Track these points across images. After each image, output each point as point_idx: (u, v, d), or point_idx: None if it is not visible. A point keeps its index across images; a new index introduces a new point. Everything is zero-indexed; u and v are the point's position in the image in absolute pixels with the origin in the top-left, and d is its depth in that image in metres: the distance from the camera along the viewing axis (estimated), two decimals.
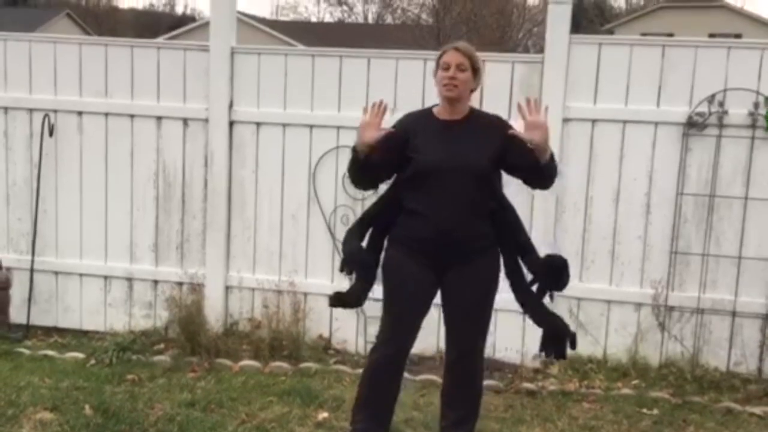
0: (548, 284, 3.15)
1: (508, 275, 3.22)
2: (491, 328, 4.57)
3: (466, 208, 3.09)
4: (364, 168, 3.16)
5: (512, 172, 3.22)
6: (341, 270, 3.18)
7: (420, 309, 3.21)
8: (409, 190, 3.14)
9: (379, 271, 3.23)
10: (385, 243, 3.25)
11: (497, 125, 3.20)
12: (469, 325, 3.22)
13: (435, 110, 3.24)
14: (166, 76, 4.90)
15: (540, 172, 3.08)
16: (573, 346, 3.16)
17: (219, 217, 4.87)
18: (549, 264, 3.13)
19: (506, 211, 3.21)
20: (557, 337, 3.14)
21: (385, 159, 3.14)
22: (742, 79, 4.33)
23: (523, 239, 3.22)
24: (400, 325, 3.22)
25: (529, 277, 3.19)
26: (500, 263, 3.21)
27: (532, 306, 3.19)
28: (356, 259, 3.15)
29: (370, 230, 3.26)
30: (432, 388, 4.05)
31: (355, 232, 3.25)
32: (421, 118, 3.24)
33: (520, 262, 3.19)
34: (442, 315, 3.28)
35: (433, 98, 4.37)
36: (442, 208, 3.07)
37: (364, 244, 3.24)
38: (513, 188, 3.35)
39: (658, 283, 4.50)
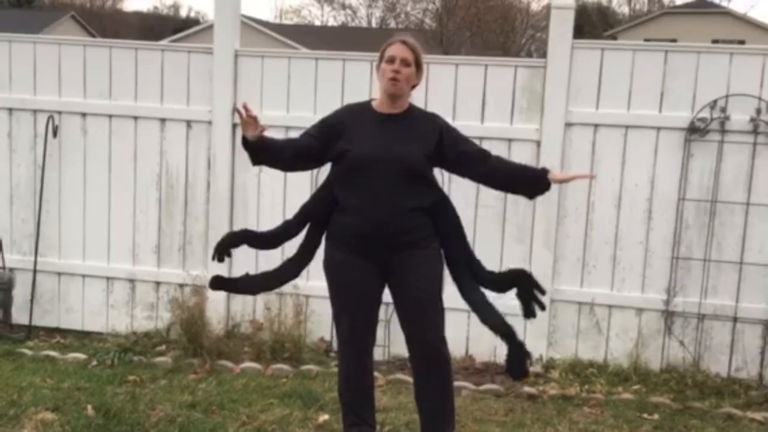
0: (530, 293, 3.16)
1: (455, 278, 3.24)
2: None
3: (401, 200, 3.08)
4: (263, 153, 3.12)
5: (453, 168, 3.29)
6: (213, 257, 3.20)
7: (370, 307, 3.24)
8: (344, 185, 3.13)
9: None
10: (323, 241, 3.25)
11: (433, 122, 3.22)
12: (422, 316, 3.18)
13: (374, 103, 3.23)
14: (170, 79, 4.92)
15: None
16: (531, 362, 3.20)
17: (221, 220, 4.88)
18: (515, 276, 3.21)
19: (448, 208, 3.23)
20: (518, 357, 3.15)
21: (309, 145, 3.15)
22: (745, 84, 4.34)
23: (468, 248, 3.25)
24: (355, 328, 3.24)
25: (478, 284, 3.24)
26: (441, 254, 3.22)
27: (484, 310, 3.19)
28: (221, 248, 3.18)
29: (307, 227, 3.26)
30: None
31: (288, 226, 3.25)
32: (359, 111, 3.22)
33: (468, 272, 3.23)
34: (395, 313, 3.26)
35: (429, 100, 4.43)
36: (375, 202, 3.06)
37: (301, 239, 3.26)
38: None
39: (659, 289, 4.51)
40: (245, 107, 3.02)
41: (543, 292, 3.18)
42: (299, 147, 3.19)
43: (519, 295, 3.19)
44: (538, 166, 3.26)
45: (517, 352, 3.15)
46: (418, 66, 3.15)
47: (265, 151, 3.11)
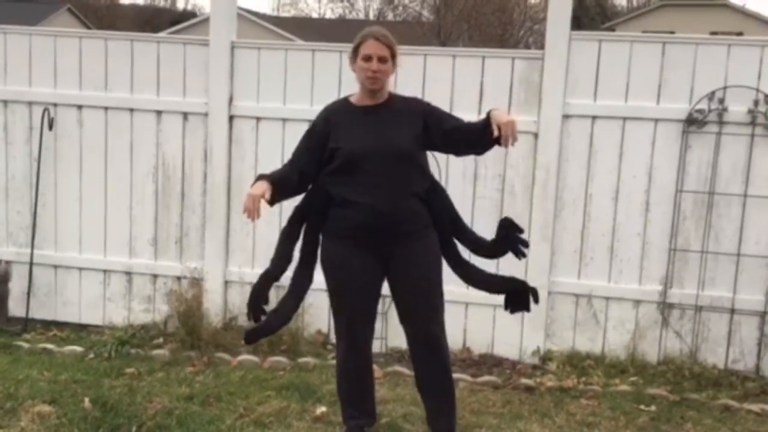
0: (503, 246, 3.23)
1: (445, 254, 3.27)
2: (489, 323, 4.65)
3: (397, 190, 3.10)
4: (279, 200, 3.18)
5: (443, 148, 3.29)
6: (249, 318, 3.22)
7: (370, 300, 3.26)
8: (338, 180, 3.14)
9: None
10: (321, 237, 3.25)
11: (416, 106, 3.24)
12: (422, 305, 3.21)
13: (353, 99, 3.24)
14: (166, 71, 4.90)
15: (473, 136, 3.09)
16: (536, 299, 3.24)
17: (218, 212, 4.87)
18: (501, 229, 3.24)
19: (438, 192, 3.26)
20: (519, 293, 3.24)
21: (308, 162, 3.18)
22: (742, 76, 4.33)
23: (456, 217, 3.29)
24: (354, 320, 3.26)
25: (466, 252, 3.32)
26: (437, 241, 3.25)
27: (479, 277, 3.29)
28: (254, 307, 3.20)
29: (304, 225, 3.27)
30: None
31: (287, 234, 3.26)
32: (341, 109, 3.23)
33: (456, 241, 3.29)
34: (393, 303, 3.30)
35: (426, 92, 4.41)
36: (375, 192, 3.08)
37: (299, 240, 3.26)
38: None
39: (656, 281, 4.51)
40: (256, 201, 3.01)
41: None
42: (301, 168, 3.19)
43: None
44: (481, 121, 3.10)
45: (533, 293, 3.25)
46: (394, 57, 3.17)
47: (280, 198, 3.17)
